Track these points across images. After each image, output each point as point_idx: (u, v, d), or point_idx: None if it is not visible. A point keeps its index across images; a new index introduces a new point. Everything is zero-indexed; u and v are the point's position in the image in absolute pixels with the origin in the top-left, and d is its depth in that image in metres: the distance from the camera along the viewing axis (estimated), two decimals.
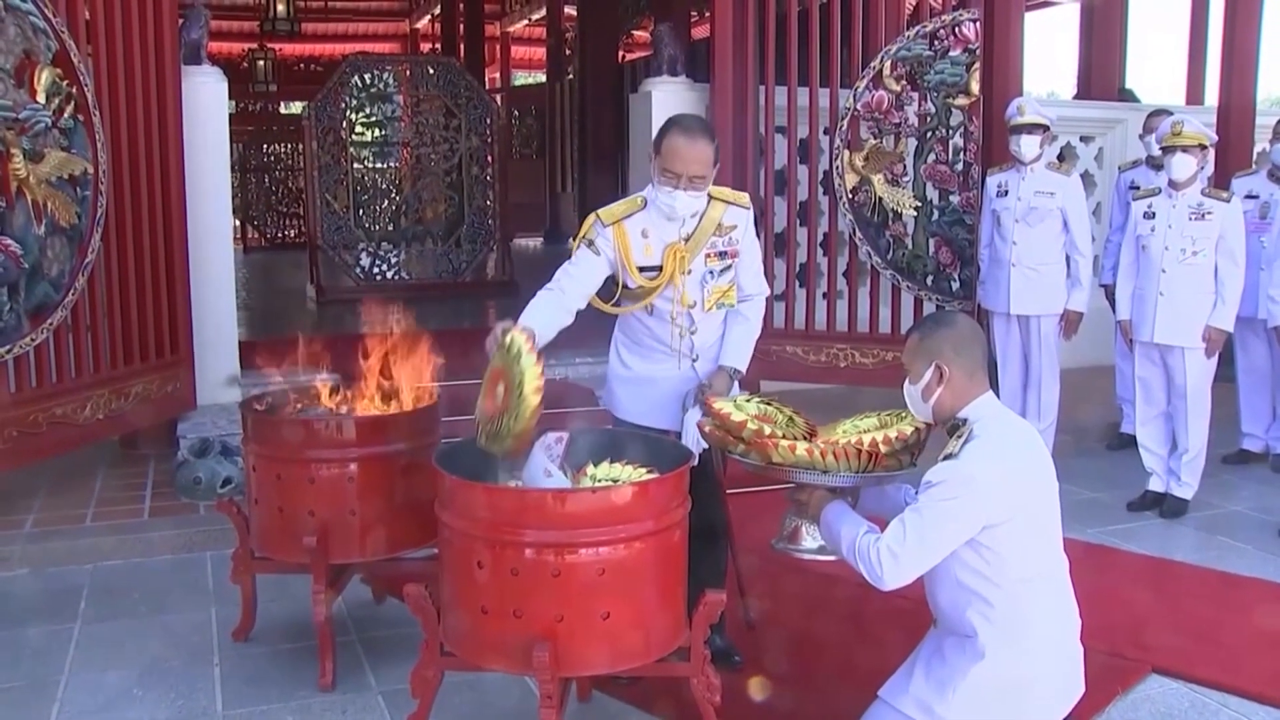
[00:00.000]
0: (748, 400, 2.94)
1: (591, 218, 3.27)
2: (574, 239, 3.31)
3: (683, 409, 3.27)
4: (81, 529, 4.70)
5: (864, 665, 3.24)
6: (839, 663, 3.54)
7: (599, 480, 2.68)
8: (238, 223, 13.66)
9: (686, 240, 3.23)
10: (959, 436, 2.54)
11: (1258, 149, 7.54)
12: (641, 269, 3.22)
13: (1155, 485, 5.20)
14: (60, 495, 5.06)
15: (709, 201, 3.24)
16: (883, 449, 2.67)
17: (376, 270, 9.65)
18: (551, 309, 3.12)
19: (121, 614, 4.01)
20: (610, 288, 3.27)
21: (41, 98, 4.48)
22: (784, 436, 2.72)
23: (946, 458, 2.51)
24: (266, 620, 3.82)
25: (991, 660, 2.50)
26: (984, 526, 2.46)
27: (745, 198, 3.37)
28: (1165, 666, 3.55)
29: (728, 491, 3.46)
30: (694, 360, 3.32)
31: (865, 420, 2.84)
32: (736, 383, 3.38)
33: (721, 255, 3.29)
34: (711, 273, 3.28)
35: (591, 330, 3.55)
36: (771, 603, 3.87)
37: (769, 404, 2.92)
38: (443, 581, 2.76)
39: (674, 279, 3.21)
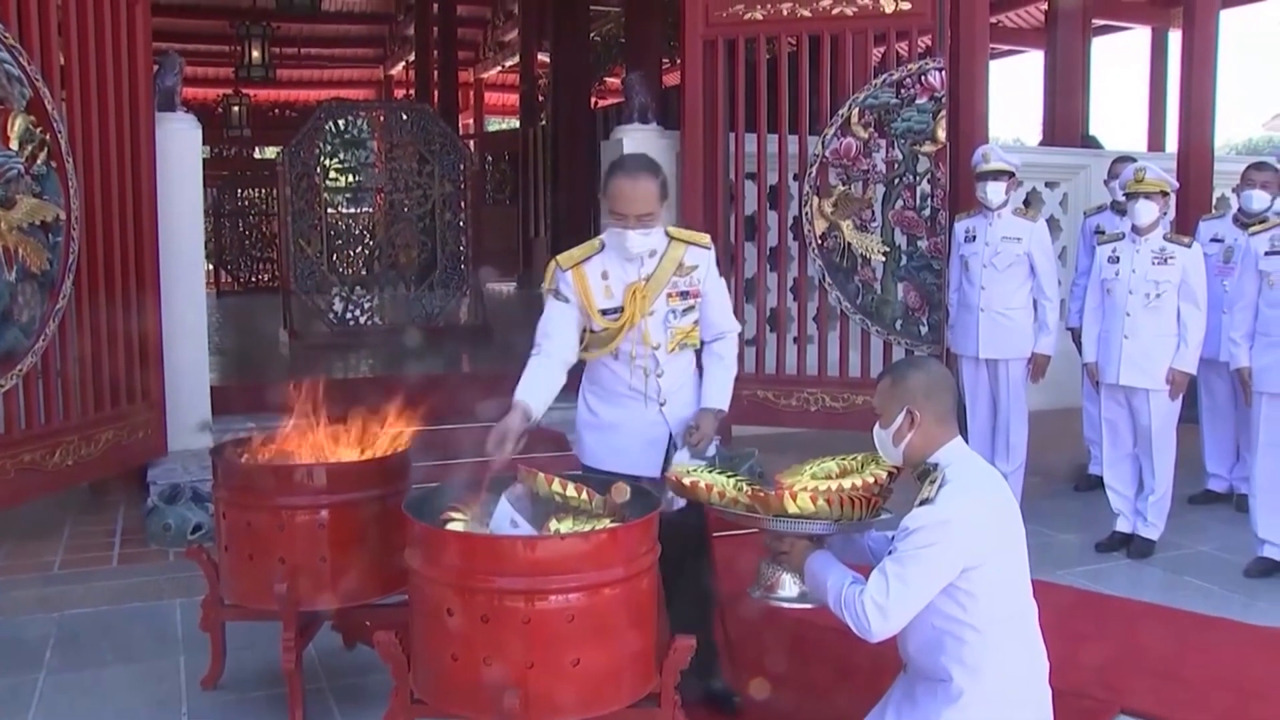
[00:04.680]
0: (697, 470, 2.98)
1: (551, 265, 3.29)
2: (544, 285, 3.33)
3: (672, 448, 3.26)
4: (49, 576, 4.65)
5: (838, 710, 3.24)
6: (815, 708, 3.54)
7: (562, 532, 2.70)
8: (211, 267, 13.64)
9: (647, 280, 3.24)
10: (931, 481, 2.56)
11: (1217, 194, 7.70)
12: (603, 311, 3.22)
13: (1122, 526, 5.24)
14: (28, 542, 5.00)
15: (669, 242, 3.27)
16: (862, 494, 2.70)
17: (350, 315, 9.65)
18: (541, 376, 3.16)
19: (89, 663, 3.96)
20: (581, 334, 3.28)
21: (14, 144, 4.50)
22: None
23: (922, 503, 2.52)
24: (236, 668, 3.77)
25: (965, 703, 2.51)
26: (962, 570, 2.48)
27: (706, 238, 3.40)
28: (1134, 707, 3.57)
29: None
30: (661, 404, 3.30)
31: (825, 465, 2.86)
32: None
33: (684, 295, 3.29)
34: (674, 312, 3.28)
35: None
36: (751, 647, 3.86)
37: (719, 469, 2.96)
38: (413, 628, 2.75)
39: (635, 319, 3.22)
